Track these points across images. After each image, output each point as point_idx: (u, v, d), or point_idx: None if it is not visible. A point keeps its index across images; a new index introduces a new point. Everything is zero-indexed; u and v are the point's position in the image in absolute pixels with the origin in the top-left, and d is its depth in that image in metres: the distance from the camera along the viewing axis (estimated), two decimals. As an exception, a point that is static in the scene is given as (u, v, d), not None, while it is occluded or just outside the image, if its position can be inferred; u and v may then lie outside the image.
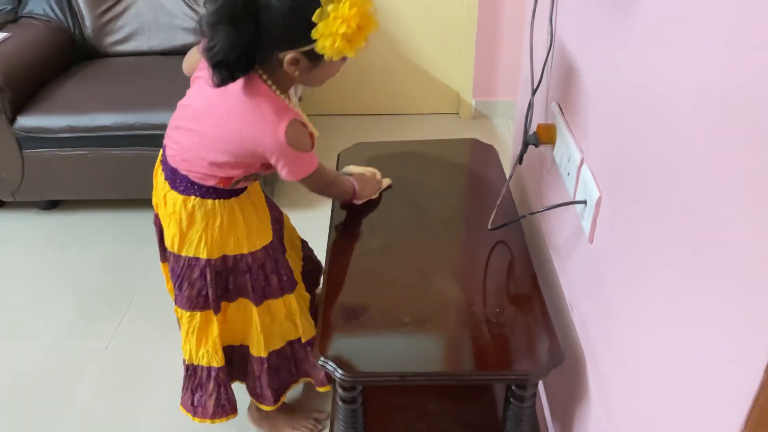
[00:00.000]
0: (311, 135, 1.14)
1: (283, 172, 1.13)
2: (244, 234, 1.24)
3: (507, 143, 2.74)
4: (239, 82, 1.05)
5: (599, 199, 0.95)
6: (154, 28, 2.42)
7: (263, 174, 1.22)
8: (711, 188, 0.61)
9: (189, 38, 2.42)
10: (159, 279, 1.68)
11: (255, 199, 1.28)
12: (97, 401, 1.63)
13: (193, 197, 1.18)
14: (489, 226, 1.27)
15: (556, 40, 1.23)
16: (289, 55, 1.02)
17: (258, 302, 1.31)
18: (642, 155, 0.79)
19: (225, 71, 1.00)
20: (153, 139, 2.09)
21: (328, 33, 0.96)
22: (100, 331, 1.83)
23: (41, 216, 2.34)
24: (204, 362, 1.34)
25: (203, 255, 1.23)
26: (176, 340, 1.40)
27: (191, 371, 1.36)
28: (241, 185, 1.22)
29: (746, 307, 0.56)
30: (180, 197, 1.18)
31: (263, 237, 1.28)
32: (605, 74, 0.94)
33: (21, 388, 1.66)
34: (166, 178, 1.20)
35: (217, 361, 1.33)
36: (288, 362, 1.41)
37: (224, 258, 1.25)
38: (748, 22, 0.54)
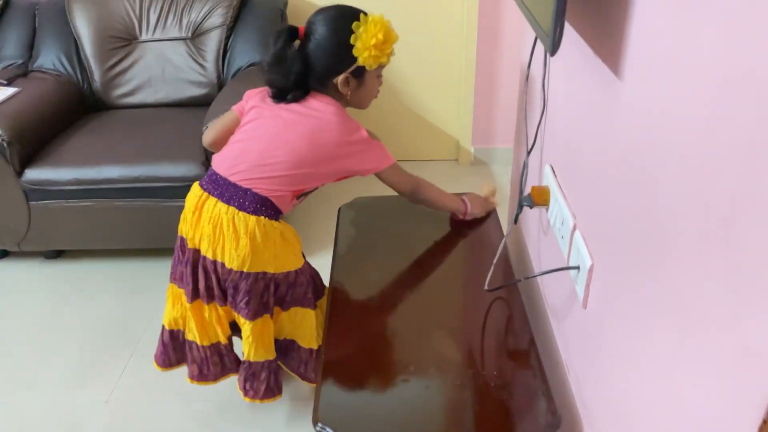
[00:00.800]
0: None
1: (371, 165, 1.37)
2: (293, 252, 1.43)
3: (506, 190, 2.77)
4: (316, 104, 1.32)
5: (591, 266, 0.97)
6: (161, 81, 2.49)
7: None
8: (701, 261, 0.63)
9: (195, 91, 2.49)
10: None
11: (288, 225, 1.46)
12: (97, 457, 1.63)
13: (263, 217, 1.34)
14: (486, 287, 1.29)
15: (548, 103, 1.27)
16: (341, 77, 1.31)
17: (314, 306, 1.50)
18: (633, 223, 0.81)
19: (283, 96, 1.33)
20: (157, 190, 2.13)
21: (364, 47, 1.28)
22: (101, 383, 1.84)
23: (46, 265, 2.37)
24: (261, 359, 1.49)
25: (270, 270, 1.39)
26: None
27: (247, 365, 1.50)
28: (300, 201, 1.44)
29: (738, 373, 0.57)
30: (252, 217, 1.33)
31: (300, 257, 1.47)
32: (596, 140, 0.97)
33: (21, 443, 1.67)
34: (230, 202, 1.33)
35: (271, 355, 1.50)
36: None
37: (287, 273, 1.42)
38: (732, 94, 0.57)
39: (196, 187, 1.40)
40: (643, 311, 0.79)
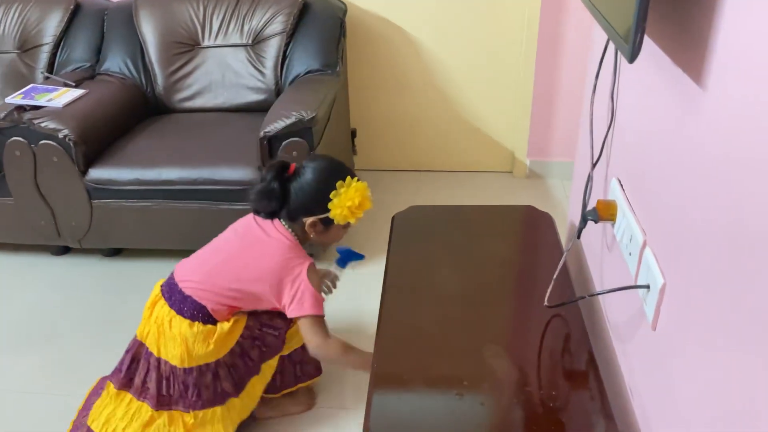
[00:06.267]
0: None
1: (292, 306, 1.46)
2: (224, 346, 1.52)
3: (561, 205, 2.71)
4: (274, 233, 1.48)
5: (663, 285, 0.93)
6: (220, 87, 2.54)
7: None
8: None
9: (253, 96, 2.52)
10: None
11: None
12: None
13: (198, 323, 1.47)
14: (546, 303, 1.25)
15: (617, 115, 1.23)
16: (310, 220, 1.47)
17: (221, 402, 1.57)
18: (715, 241, 0.77)
19: (260, 213, 1.51)
20: (214, 193, 2.16)
21: (339, 205, 1.43)
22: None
23: (104, 263, 2.44)
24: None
25: (212, 358, 1.49)
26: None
27: None
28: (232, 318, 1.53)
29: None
30: (186, 322, 1.46)
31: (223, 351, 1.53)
32: (672, 153, 0.92)
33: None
34: (173, 307, 1.49)
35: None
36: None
37: (231, 351, 1.52)
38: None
39: (156, 287, 1.55)
40: (724, 339, 0.74)
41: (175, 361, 1.47)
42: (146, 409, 1.52)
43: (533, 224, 1.61)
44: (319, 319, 1.49)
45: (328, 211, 1.45)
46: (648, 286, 0.98)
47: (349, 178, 1.45)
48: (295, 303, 1.46)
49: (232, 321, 1.50)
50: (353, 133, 2.93)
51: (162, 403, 1.51)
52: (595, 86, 1.30)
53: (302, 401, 1.74)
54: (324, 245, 1.62)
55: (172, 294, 1.50)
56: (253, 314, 1.55)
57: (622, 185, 1.18)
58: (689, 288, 0.85)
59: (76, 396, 1.81)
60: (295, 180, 1.47)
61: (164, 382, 1.50)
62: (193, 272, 1.52)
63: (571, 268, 1.49)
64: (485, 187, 2.90)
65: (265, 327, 1.56)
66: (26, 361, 1.96)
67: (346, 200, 1.43)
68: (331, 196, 1.44)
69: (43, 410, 1.78)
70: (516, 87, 2.79)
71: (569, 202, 1.70)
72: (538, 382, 1.11)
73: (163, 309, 1.49)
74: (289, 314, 1.47)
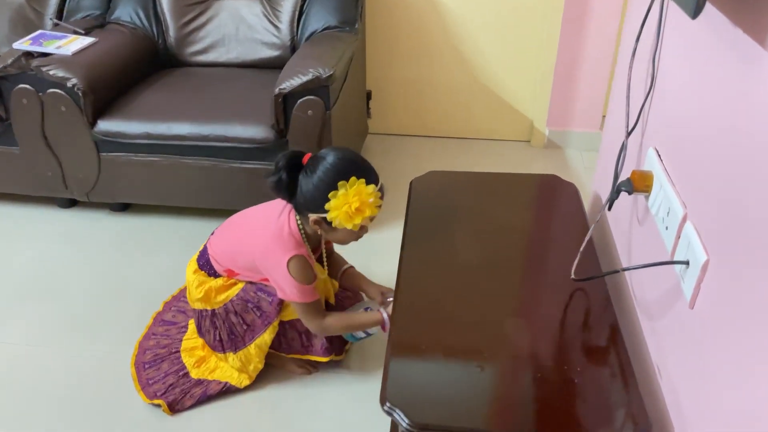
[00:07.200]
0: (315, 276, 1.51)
1: (279, 291, 1.50)
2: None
3: (580, 176, 2.64)
4: (282, 219, 1.48)
5: (706, 262, 0.87)
6: (234, 41, 2.45)
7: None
8: None
9: (267, 52, 2.44)
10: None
11: None
12: (152, 412, 1.62)
13: (202, 272, 1.61)
14: (573, 276, 1.20)
15: (657, 81, 1.16)
16: (313, 217, 1.41)
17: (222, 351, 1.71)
18: (766, 217, 0.71)
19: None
20: (225, 150, 2.10)
21: (335, 208, 1.36)
22: (159, 339, 1.84)
23: (112, 217, 2.39)
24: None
25: (207, 306, 1.62)
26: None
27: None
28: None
29: None
30: (195, 267, 1.63)
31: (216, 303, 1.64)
32: (724, 122, 0.86)
33: (76, 391, 1.68)
34: (198, 252, 1.67)
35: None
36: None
37: (226, 308, 1.60)
38: None
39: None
40: (777, 319, 0.68)
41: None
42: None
43: (557, 194, 1.55)
44: (308, 306, 1.50)
45: (326, 211, 1.38)
46: (687, 262, 0.93)
47: (354, 178, 1.35)
48: (279, 290, 1.50)
49: (228, 280, 1.58)
50: (368, 95, 2.85)
51: (199, 332, 1.69)
52: (635, 50, 1.22)
53: (303, 365, 1.71)
54: (341, 243, 1.52)
55: (206, 242, 1.64)
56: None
57: (659, 155, 1.12)
58: (735, 266, 0.79)
59: (80, 351, 1.79)
60: (306, 172, 1.40)
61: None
62: (220, 229, 1.63)
63: (596, 240, 1.43)
64: (502, 156, 2.83)
65: (260, 291, 1.57)
66: (30, 314, 1.94)
67: (342, 204, 1.35)
68: (329, 196, 1.36)
69: (47, 365, 1.76)
70: (539, 54, 2.69)
71: (594, 173, 1.64)
72: (562, 356, 1.06)
73: (196, 253, 1.65)
74: (279, 296, 1.52)
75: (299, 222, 1.48)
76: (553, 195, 1.56)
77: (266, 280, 1.54)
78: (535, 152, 2.85)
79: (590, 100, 2.74)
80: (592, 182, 1.65)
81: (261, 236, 1.49)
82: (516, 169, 2.70)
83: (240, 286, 1.57)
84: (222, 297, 1.58)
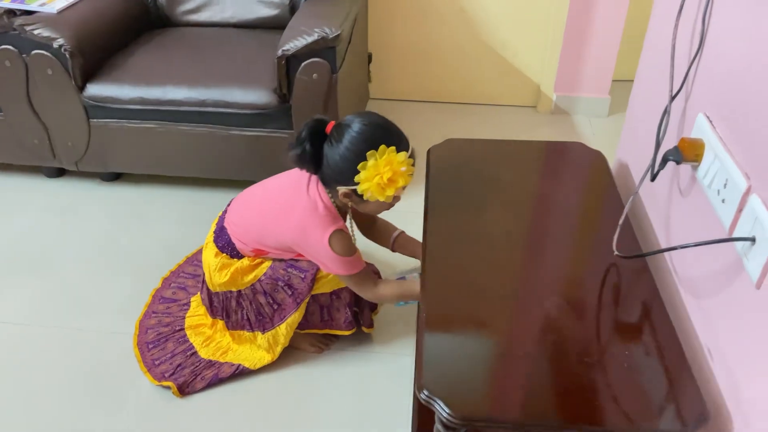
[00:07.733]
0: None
1: (326, 267, 1.41)
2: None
3: (589, 143, 2.56)
4: (311, 192, 1.38)
5: (780, 239, 0.80)
6: (228, -1, 2.31)
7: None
8: None
9: (264, 11, 2.31)
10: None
11: None
12: (160, 393, 1.55)
13: (224, 255, 1.51)
14: (615, 251, 1.12)
15: (706, 41, 1.07)
16: (342, 190, 1.32)
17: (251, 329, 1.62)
18: None
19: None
20: (224, 117, 1.99)
21: (366, 179, 1.27)
22: (160, 316, 1.75)
23: (103, 187, 2.28)
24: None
25: (233, 288, 1.53)
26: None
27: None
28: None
29: None
30: (215, 250, 1.52)
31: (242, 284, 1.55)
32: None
33: (77, 372, 1.59)
34: (214, 233, 1.54)
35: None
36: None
37: (253, 288, 1.52)
38: None
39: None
40: None
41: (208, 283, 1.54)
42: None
43: (583, 163, 1.47)
44: (357, 276, 1.42)
45: (356, 183, 1.29)
46: (753, 239, 0.85)
47: (383, 147, 1.25)
48: (323, 266, 1.43)
49: (254, 260, 1.48)
50: (368, 58, 2.73)
51: (213, 313, 1.60)
52: (681, 6, 1.13)
53: (316, 343, 1.64)
54: (372, 214, 1.47)
55: (219, 222, 1.53)
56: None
57: (711, 122, 1.03)
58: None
59: (77, 330, 1.70)
60: (331, 142, 1.30)
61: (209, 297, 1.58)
62: (237, 207, 1.51)
63: (628, 212, 1.36)
64: (507, 123, 2.73)
65: (290, 268, 1.47)
66: (20, 291, 1.83)
67: (373, 175, 1.26)
68: (359, 167, 1.27)
69: (42, 345, 1.66)
70: (548, 17, 2.58)
71: (619, 140, 1.56)
72: (606, 338, 0.99)
73: (210, 234, 1.55)
74: (324, 271, 1.45)
75: (329, 194, 1.38)
76: (579, 164, 1.47)
77: (300, 256, 1.45)
78: (541, 118, 2.76)
79: (600, 65, 2.64)
80: (616, 149, 1.57)
81: (294, 216, 1.39)
82: (522, 135, 2.61)
83: (268, 264, 1.48)
84: (249, 277, 1.48)
